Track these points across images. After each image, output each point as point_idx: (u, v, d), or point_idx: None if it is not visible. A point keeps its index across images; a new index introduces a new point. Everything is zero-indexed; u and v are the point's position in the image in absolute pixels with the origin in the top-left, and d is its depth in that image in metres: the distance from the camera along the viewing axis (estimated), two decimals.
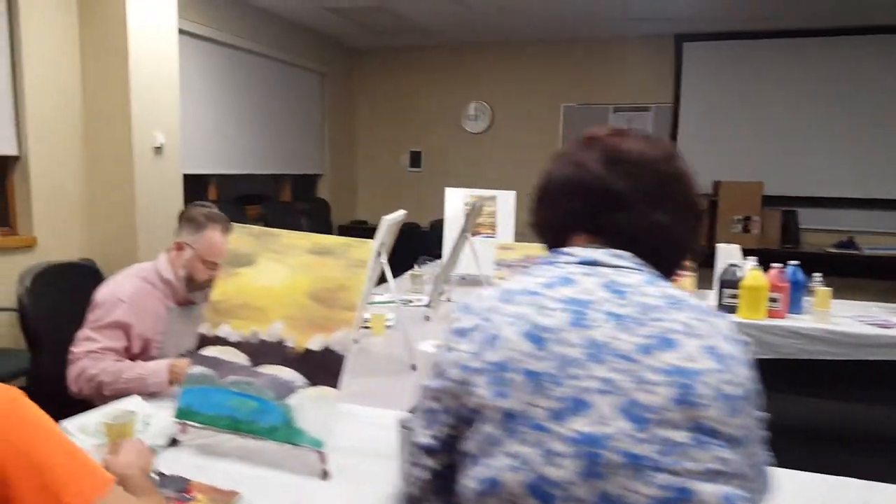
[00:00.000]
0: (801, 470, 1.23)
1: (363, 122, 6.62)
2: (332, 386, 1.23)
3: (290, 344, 1.28)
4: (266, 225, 4.01)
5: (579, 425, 0.61)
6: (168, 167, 3.64)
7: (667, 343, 0.64)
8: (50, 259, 3.26)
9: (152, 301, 1.74)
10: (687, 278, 2.48)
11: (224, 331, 1.32)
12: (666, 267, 0.75)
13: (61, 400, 1.59)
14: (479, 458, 0.65)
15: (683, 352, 0.64)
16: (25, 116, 3.16)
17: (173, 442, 1.32)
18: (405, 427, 1.12)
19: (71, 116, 3.38)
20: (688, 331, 0.65)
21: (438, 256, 3.86)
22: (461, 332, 0.71)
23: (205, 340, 1.33)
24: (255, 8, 4.87)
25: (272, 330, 1.30)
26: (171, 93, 3.62)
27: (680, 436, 0.60)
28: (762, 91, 5.37)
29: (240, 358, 1.30)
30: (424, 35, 5.72)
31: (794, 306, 2.51)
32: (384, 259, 1.86)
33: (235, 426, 1.25)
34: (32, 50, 3.14)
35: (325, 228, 5.80)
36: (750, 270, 2.46)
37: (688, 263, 2.54)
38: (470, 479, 0.65)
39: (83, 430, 1.35)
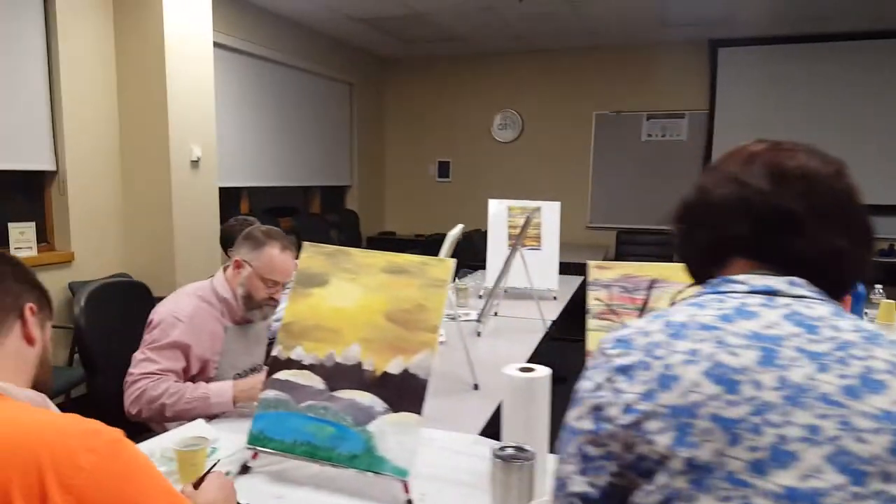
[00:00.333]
0: None
1: (391, 132, 6.61)
2: (414, 412, 1.18)
3: (368, 367, 1.23)
4: (297, 237, 3.98)
5: (785, 479, 0.55)
6: (205, 180, 3.64)
7: (873, 384, 0.58)
8: (88, 275, 3.31)
9: (210, 320, 1.70)
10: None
11: (297, 353, 1.28)
12: (835, 295, 0.68)
13: (113, 421, 1.55)
14: None
15: (893, 394, 0.57)
16: (62, 131, 3.17)
17: (244, 469, 1.27)
18: (499, 457, 1.07)
19: (108, 130, 3.39)
20: (892, 370, 0.59)
21: (474, 268, 3.80)
22: (623, 370, 0.65)
23: (277, 364, 1.28)
24: (283, 18, 4.88)
25: (348, 352, 1.25)
26: (208, 105, 3.62)
27: None
28: (799, 97, 5.26)
29: (315, 382, 1.25)
30: (453, 44, 5.70)
31: None
32: None
33: (313, 453, 1.20)
34: (69, 64, 3.15)
35: (355, 240, 5.78)
36: None
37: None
38: None
39: (150, 455, 1.31)
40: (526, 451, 1.07)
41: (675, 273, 1.12)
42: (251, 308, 1.72)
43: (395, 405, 1.19)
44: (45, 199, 3.29)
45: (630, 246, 5.68)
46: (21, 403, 0.73)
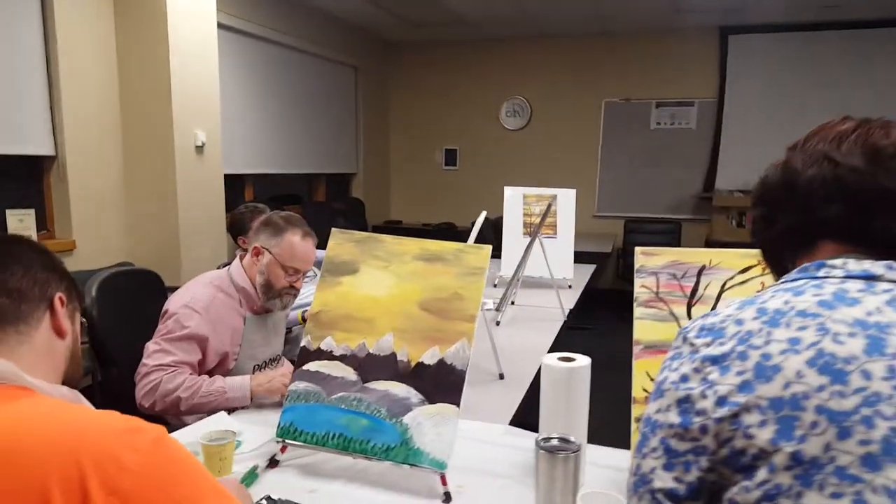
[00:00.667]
0: None
1: (397, 119, 6.50)
2: (451, 403, 1.14)
3: (402, 358, 1.18)
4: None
5: None
6: (210, 166, 3.57)
7: None
8: (90, 264, 3.24)
9: (228, 311, 1.65)
10: None
11: (327, 343, 1.23)
12: None
13: (124, 413, 1.50)
14: None
15: None
16: (61, 115, 3.06)
17: (272, 462, 1.23)
18: (543, 448, 1.03)
19: (109, 113, 3.28)
20: None
21: None
22: (714, 360, 0.61)
23: (307, 355, 1.24)
24: None
25: (381, 343, 1.20)
26: (212, 89, 3.53)
27: None
28: (807, 84, 5.21)
29: (347, 372, 1.21)
30: (461, 28, 5.61)
31: None
32: None
33: (346, 445, 1.16)
34: (67, 45, 3.04)
35: (361, 229, 5.71)
36: None
37: None
38: None
39: None
40: (571, 442, 1.04)
41: (725, 259, 1.08)
42: (271, 297, 1.67)
43: (431, 396, 1.15)
44: (44, 186, 3.21)
45: (637, 235, 5.64)
46: (56, 400, 0.69)
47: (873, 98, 5.07)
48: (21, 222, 3.04)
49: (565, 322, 2.42)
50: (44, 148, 3.08)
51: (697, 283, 1.07)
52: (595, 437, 1.24)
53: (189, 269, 3.33)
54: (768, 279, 1.05)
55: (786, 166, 0.69)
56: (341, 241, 1.29)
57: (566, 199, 2.84)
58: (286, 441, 1.21)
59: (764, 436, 0.56)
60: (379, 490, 1.14)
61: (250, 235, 2.35)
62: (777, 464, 0.55)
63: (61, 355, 0.80)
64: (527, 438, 1.36)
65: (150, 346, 1.57)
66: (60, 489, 0.57)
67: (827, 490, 0.53)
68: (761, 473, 0.56)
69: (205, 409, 1.52)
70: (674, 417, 0.62)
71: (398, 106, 6.46)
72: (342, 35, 5.57)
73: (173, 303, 1.63)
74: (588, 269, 3.46)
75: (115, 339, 1.79)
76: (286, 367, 1.64)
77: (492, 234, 3.05)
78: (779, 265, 0.73)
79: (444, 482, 1.11)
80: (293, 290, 1.69)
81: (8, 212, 3.00)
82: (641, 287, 1.08)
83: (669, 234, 5.51)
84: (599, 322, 4.87)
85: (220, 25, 3.75)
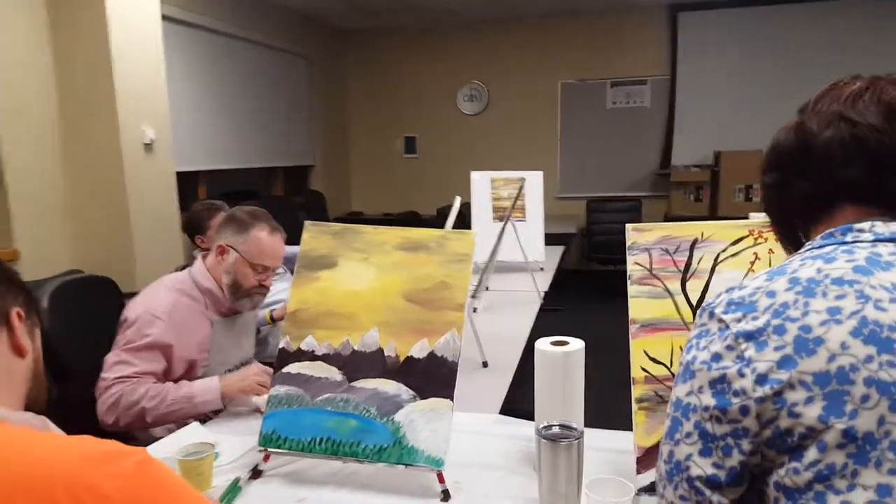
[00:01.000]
0: None
1: (354, 108, 6.36)
2: (445, 397, 1.09)
3: (390, 353, 1.12)
4: None
5: None
6: (160, 164, 3.39)
7: None
8: (35, 274, 3.02)
9: (193, 315, 1.55)
10: None
11: (308, 343, 1.16)
12: None
13: (85, 433, 1.39)
14: (821, 495, 0.52)
15: None
16: None
17: (255, 473, 1.15)
18: (545, 437, 0.99)
19: (45, 112, 3.07)
20: None
21: None
22: (748, 336, 0.57)
23: (287, 357, 1.16)
24: None
25: (367, 338, 1.14)
26: (159, 84, 3.35)
27: None
28: (759, 59, 5.33)
29: (331, 372, 1.14)
30: (415, 14, 5.49)
31: None
32: None
33: (335, 450, 1.10)
34: None
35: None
36: None
37: None
38: None
39: None
40: (573, 429, 1.00)
41: (717, 231, 1.06)
42: (239, 297, 1.58)
43: (423, 391, 1.10)
44: None
45: (600, 214, 5.70)
46: (21, 429, 0.60)
47: (822, 69, 5.22)
48: None
49: (542, 305, 2.41)
50: None
51: (690, 257, 1.05)
52: (585, 419, 1.21)
53: (144, 273, 3.16)
54: (760, 249, 1.04)
55: (800, 129, 0.66)
56: (316, 234, 1.22)
57: (534, 182, 2.82)
58: (269, 450, 1.13)
59: (811, 413, 0.53)
60: (372, 493, 1.08)
61: (210, 234, 2.22)
62: (828, 442, 0.52)
63: (22, 376, 0.71)
64: (519, 426, 1.33)
65: (110, 357, 1.46)
66: None
67: (885, 466, 0.50)
68: (811, 453, 0.53)
69: (173, 419, 1.42)
70: (708, 399, 0.58)
71: (355, 95, 6.32)
72: (294, 25, 5.40)
73: (132, 310, 1.51)
74: (557, 251, 3.46)
75: (70, 352, 1.66)
76: (258, 365, 1.56)
77: (460, 220, 3.00)
78: (792, 234, 0.70)
79: (441, 480, 1.07)
80: (263, 289, 1.60)
81: None
82: (635, 264, 1.05)
83: (631, 212, 5.59)
84: (568, 303, 4.90)
85: (164, 17, 3.55)
